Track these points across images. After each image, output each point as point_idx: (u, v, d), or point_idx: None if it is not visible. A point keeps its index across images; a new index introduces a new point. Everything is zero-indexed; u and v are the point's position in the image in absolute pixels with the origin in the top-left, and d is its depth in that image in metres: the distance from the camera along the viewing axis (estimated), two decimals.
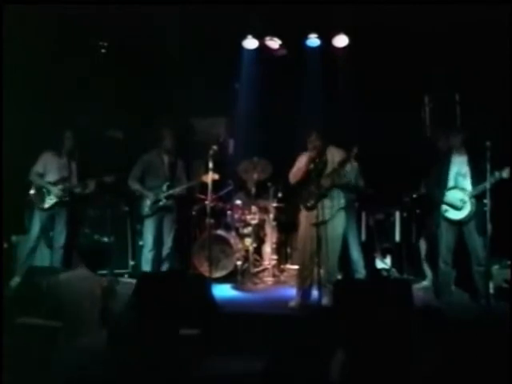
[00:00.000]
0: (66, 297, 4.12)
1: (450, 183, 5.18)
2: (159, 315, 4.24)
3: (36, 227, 5.97)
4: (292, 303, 5.12)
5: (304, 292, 5.13)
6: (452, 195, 5.12)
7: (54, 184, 5.98)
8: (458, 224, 5.14)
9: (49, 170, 6.01)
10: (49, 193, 5.95)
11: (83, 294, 3.86)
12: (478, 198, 5.00)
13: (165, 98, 7.29)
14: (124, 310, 4.52)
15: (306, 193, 5.10)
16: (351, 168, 5.25)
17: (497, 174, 4.84)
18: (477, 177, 5.00)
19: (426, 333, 3.88)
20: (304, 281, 5.12)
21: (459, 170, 5.17)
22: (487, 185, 4.81)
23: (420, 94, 6.59)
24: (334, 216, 5.03)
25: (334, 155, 5.11)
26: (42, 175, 5.99)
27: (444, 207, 5.16)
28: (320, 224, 4.85)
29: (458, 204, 5.08)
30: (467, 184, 5.11)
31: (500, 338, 3.82)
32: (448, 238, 5.18)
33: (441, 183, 5.21)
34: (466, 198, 5.05)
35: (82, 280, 3.93)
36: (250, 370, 3.70)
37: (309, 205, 5.07)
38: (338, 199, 5.09)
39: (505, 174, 4.81)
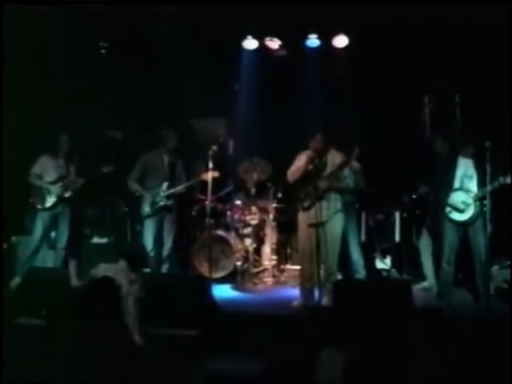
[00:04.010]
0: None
1: (456, 184, 5.14)
2: (159, 315, 4.24)
3: (39, 228, 5.99)
4: (294, 303, 5.12)
5: (307, 292, 5.13)
6: (455, 197, 5.09)
7: (53, 183, 5.99)
8: (462, 225, 5.12)
9: (47, 170, 6.03)
10: (49, 192, 5.97)
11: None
12: (483, 199, 4.96)
13: (165, 98, 7.29)
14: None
15: (303, 193, 5.11)
16: (352, 171, 5.26)
17: (501, 179, 4.82)
18: (483, 179, 4.93)
19: (425, 333, 3.88)
20: (306, 281, 5.13)
21: (466, 171, 5.14)
22: (489, 188, 4.80)
23: (420, 94, 6.58)
24: (331, 217, 5.04)
25: (334, 158, 5.11)
26: (40, 176, 6.00)
27: (448, 208, 5.14)
28: (317, 225, 4.86)
29: (461, 206, 5.05)
30: (473, 186, 5.07)
31: (500, 338, 3.82)
32: (452, 238, 5.15)
33: (446, 184, 5.18)
34: (470, 201, 5.02)
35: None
36: (250, 370, 3.70)
37: (305, 205, 5.08)
38: (335, 202, 5.09)
39: (508, 180, 4.80)
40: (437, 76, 6.32)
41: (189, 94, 7.08)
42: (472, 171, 5.12)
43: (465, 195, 5.07)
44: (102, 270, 4.06)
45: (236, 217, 6.61)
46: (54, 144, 6.09)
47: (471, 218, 5.03)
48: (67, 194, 6.04)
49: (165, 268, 6.07)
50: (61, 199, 6.02)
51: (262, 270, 6.56)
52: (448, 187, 5.16)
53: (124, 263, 4.15)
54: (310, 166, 5.06)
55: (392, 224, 6.53)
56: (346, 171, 5.11)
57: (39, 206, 5.96)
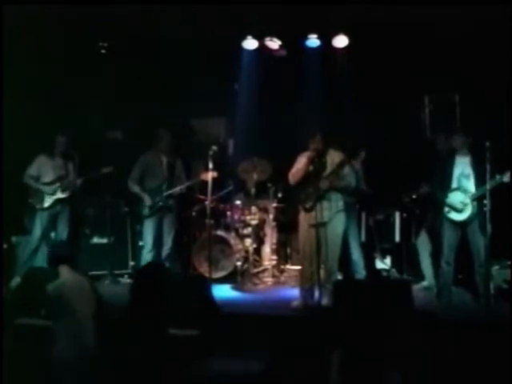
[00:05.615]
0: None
1: (454, 184, 5.13)
2: (159, 315, 4.23)
3: (38, 228, 5.99)
4: (294, 303, 5.12)
5: (306, 292, 5.13)
6: (453, 197, 5.09)
7: (50, 184, 5.99)
8: (461, 224, 5.12)
9: (44, 171, 6.03)
10: (45, 193, 5.96)
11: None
12: (480, 198, 4.97)
13: (165, 98, 7.29)
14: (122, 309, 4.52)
15: (305, 194, 5.11)
16: (351, 171, 5.26)
17: (498, 177, 4.82)
18: (480, 178, 4.94)
19: (425, 333, 3.88)
20: (306, 281, 5.13)
21: (463, 171, 5.13)
22: (487, 186, 4.79)
23: (420, 94, 6.59)
24: (333, 218, 5.04)
25: (334, 158, 5.12)
26: (36, 178, 6.00)
27: (446, 208, 5.14)
28: (319, 225, 4.86)
29: (459, 206, 5.05)
30: (470, 185, 5.07)
31: (500, 338, 3.82)
32: (451, 238, 5.15)
33: (444, 184, 5.18)
34: (468, 201, 5.02)
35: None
36: (250, 370, 3.70)
37: (307, 206, 5.08)
38: (337, 201, 5.09)
39: (506, 178, 4.80)
40: (437, 76, 6.33)
41: (189, 94, 7.07)
42: (469, 170, 5.12)
43: (463, 195, 5.07)
44: None
45: (236, 217, 6.61)
46: (52, 144, 6.10)
47: (469, 217, 5.03)
48: (65, 195, 6.04)
49: None
50: (59, 200, 6.02)
51: (262, 270, 6.56)
52: (446, 187, 5.16)
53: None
54: (311, 167, 5.07)
55: (392, 224, 6.53)
56: (347, 170, 5.12)
57: (38, 206, 5.97)
